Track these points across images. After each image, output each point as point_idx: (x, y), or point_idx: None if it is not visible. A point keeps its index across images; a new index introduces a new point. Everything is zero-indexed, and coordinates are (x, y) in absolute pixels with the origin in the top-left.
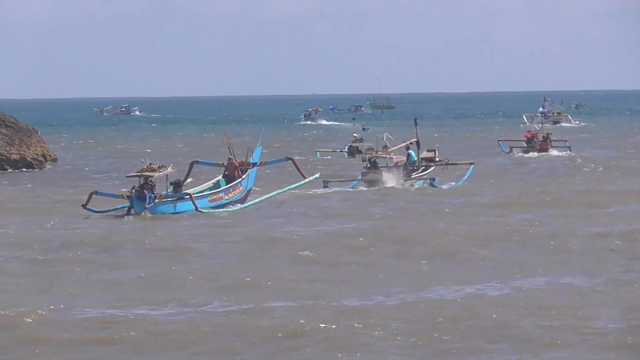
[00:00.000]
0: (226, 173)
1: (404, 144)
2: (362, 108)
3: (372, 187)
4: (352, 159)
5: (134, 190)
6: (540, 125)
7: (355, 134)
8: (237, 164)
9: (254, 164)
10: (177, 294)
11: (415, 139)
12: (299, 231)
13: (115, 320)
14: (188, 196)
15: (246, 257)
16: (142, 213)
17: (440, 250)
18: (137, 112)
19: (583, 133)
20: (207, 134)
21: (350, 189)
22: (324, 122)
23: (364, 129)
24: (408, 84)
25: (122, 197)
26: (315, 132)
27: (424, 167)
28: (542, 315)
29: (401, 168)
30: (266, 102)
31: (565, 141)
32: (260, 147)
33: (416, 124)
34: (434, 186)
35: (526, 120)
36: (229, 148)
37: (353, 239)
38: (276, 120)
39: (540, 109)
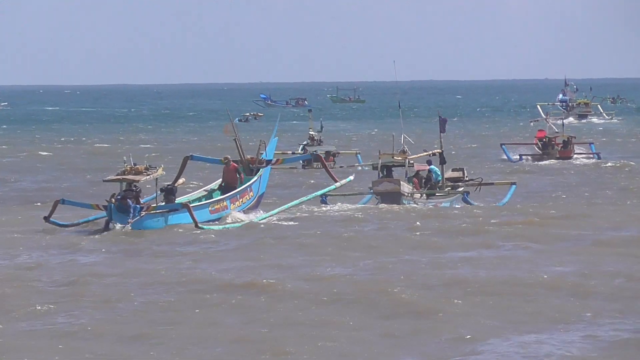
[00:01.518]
0: (222, 182)
1: (424, 153)
2: (305, 101)
3: (386, 202)
4: (307, 168)
5: (113, 200)
6: (560, 122)
7: (311, 132)
8: (235, 165)
9: (268, 162)
10: None
11: (439, 150)
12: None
13: None
14: (185, 207)
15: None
16: (124, 229)
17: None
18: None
19: (620, 133)
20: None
21: (362, 206)
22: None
23: (321, 129)
24: (385, 70)
25: (96, 207)
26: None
27: (449, 188)
28: None
29: (423, 180)
30: (206, 91)
31: (590, 144)
32: (276, 138)
33: (442, 129)
34: (468, 202)
35: (541, 113)
36: (235, 140)
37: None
38: (215, 116)
39: (560, 96)
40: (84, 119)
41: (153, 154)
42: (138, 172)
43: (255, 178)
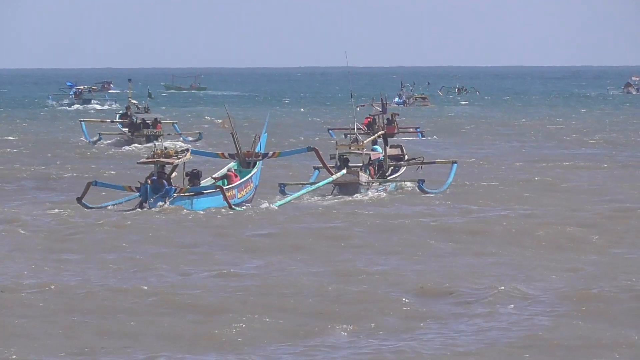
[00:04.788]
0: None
1: (372, 137)
2: (111, 85)
3: (344, 193)
4: (137, 138)
5: (149, 181)
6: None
7: (133, 101)
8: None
9: (265, 155)
10: None
11: (382, 131)
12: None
13: None
14: (218, 189)
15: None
16: (164, 205)
17: None
18: None
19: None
20: None
21: (303, 196)
22: (98, 106)
23: (150, 97)
24: (233, 56)
25: (129, 189)
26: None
27: (392, 168)
28: None
29: (376, 167)
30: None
31: (417, 128)
32: (266, 134)
33: (384, 110)
34: (423, 190)
35: (369, 104)
36: (232, 134)
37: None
38: (31, 103)
39: (396, 99)
40: None
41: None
42: (169, 155)
43: (254, 170)
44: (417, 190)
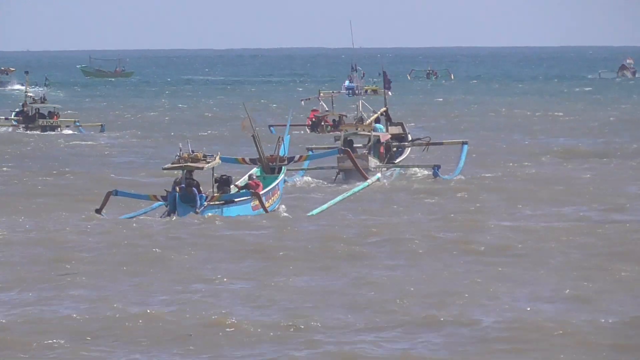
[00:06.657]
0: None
1: (374, 115)
2: (12, 70)
3: (352, 178)
4: (35, 132)
5: (177, 188)
6: (331, 102)
7: (29, 94)
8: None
9: (290, 159)
10: None
11: (384, 108)
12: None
13: None
14: (254, 196)
15: None
16: (198, 212)
17: None
18: None
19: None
20: None
21: (297, 181)
22: (19, 86)
23: (46, 84)
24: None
25: (154, 198)
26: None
27: (395, 149)
28: None
29: (385, 149)
30: None
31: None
32: (289, 136)
33: (388, 87)
34: (439, 176)
35: (324, 106)
36: (252, 137)
37: None
38: None
39: (347, 82)
40: None
41: None
42: (196, 159)
43: (281, 177)
44: (432, 176)
